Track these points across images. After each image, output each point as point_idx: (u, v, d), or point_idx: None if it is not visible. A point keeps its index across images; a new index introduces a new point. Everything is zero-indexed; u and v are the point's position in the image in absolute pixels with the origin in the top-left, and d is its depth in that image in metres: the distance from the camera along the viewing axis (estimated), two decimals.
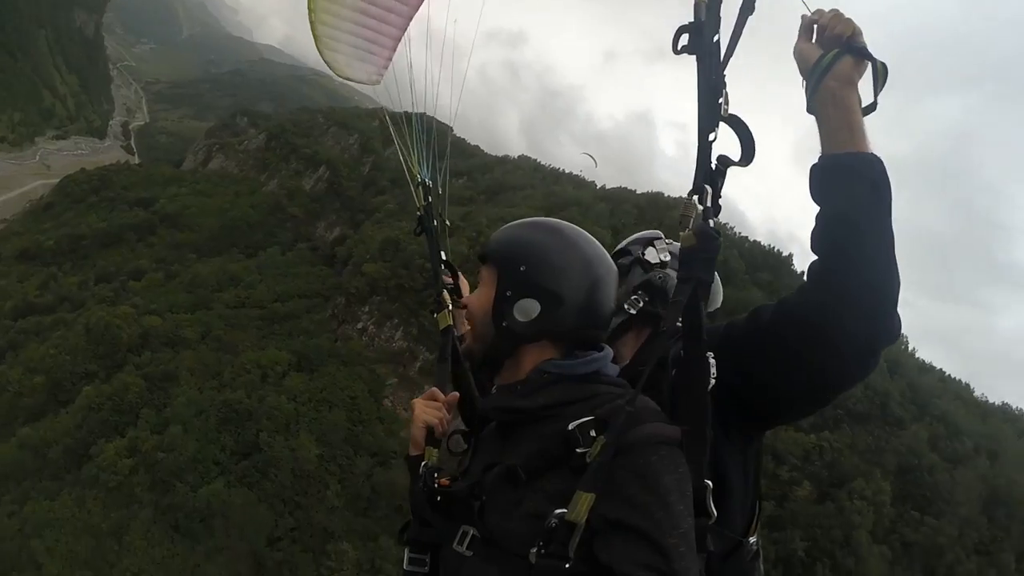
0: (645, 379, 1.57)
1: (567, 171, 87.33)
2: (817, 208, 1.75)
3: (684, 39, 1.67)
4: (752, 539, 2.04)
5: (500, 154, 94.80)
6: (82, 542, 39.88)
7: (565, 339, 1.85)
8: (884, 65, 1.74)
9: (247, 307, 66.70)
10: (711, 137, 1.64)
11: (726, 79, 1.65)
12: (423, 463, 2.01)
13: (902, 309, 1.72)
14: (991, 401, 55.08)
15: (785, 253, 66.21)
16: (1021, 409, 54.63)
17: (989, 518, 40.49)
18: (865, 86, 1.77)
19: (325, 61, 3.78)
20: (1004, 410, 54.29)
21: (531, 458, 1.66)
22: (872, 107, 1.75)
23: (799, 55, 1.86)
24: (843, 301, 1.68)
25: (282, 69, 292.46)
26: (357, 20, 3.61)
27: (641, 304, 2.37)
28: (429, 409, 2.11)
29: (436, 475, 1.94)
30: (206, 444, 46.66)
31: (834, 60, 1.76)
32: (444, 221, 3.22)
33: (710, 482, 1.62)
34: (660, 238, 2.51)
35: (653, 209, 65.70)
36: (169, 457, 44.92)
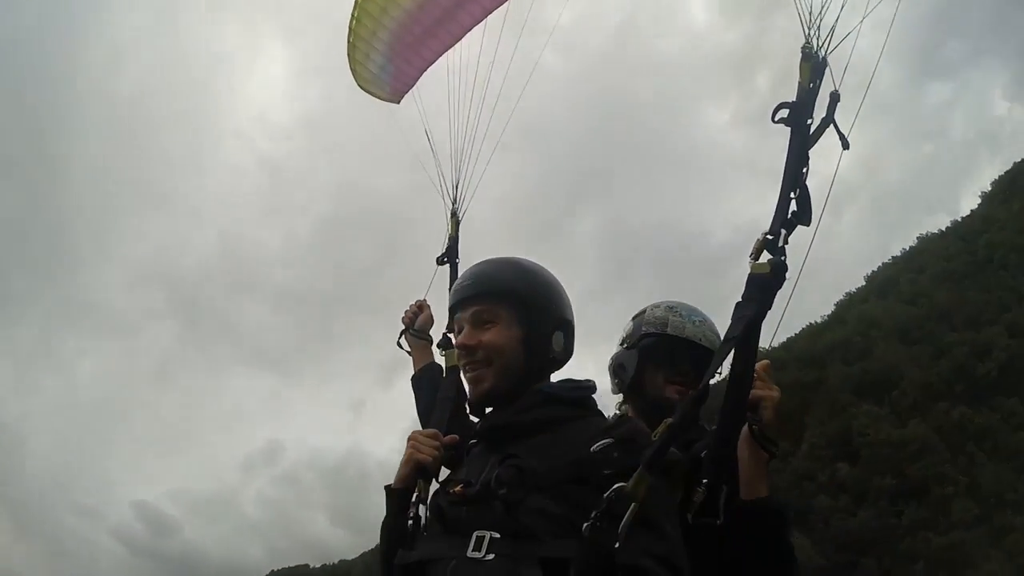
0: (682, 417, 1.70)
1: None
2: (740, 536, 2.00)
3: (783, 112, 2.05)
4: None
5: (332, 562, 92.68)
6: None
7: (562, 366, 2.09)
8: (769, 440, 2.07)
9: None
10: (792, 195, 2.01)
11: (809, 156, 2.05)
12: (414, 494, 2.02)
13: None
14: None
15: None
16: None
17: None
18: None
19: (352, 70, 3.99)
20: None
21: (551, 471, 1.71)
22: (772, 453, 2.08)
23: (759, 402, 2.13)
24: None
25: None
26: (393, 42, 3.76)
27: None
28: (427, 448, 2.10)
29: (448, 488, 1.91)
30: None
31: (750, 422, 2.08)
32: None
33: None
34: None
35: None
36: None
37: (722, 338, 1.99)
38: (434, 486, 2.03)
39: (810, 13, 2.14)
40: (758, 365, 2.06)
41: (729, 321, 1.95)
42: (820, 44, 2.11)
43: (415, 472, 2.06)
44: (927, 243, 65.39)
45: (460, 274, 2.22)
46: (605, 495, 1.54)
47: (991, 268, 52.46)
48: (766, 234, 1.97)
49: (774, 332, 2.10)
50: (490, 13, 3.60)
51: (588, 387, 2.05)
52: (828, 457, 41.28)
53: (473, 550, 1.68)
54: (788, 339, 54.12)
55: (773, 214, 2.00)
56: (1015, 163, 69.00)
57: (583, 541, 1.54)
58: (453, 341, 3.01)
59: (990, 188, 69.74)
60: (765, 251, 1.96)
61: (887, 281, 61.35)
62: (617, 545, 1.51)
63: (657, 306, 2.71)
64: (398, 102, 4.10)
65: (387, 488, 2.09)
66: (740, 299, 1.94)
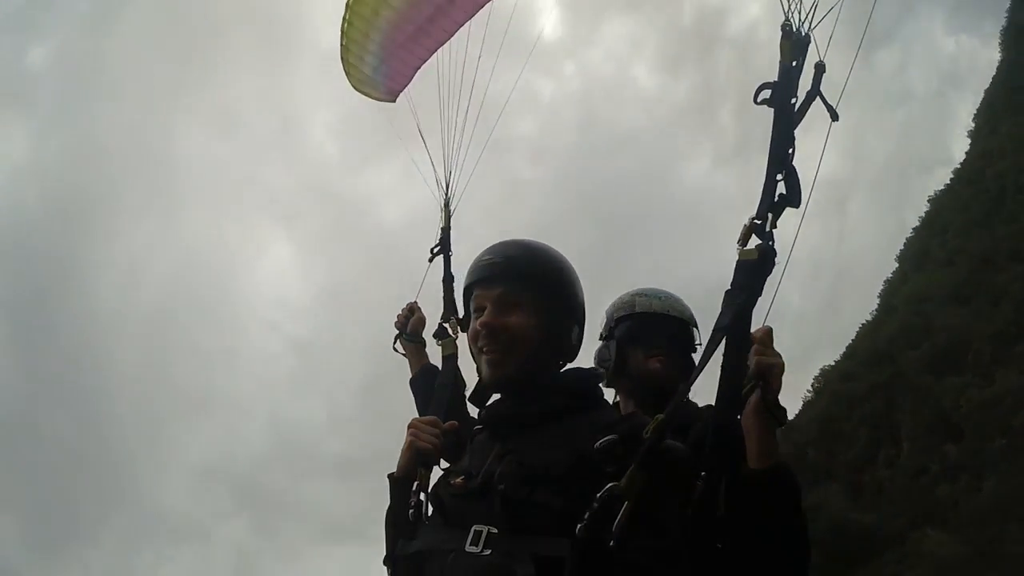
0: (674, 407, 1.66)
1: None
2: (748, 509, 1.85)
3: (765, 94, 1.98)
4: None
5: None
6: None
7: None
8: (778, 410, 1.95)
9: None
10: (778, 177, 1.92)
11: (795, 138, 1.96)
12: (414, 483, 1.98)
13: None
14: None
15: None
16: None
17: None
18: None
19: (345, 72, 4.01)
20: None
21: (553, 465, 1.70)
22: (780, 421, 1.95)
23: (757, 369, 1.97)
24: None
25: None
26: (386, 43, 3.85)
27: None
28: (425, 435, 2.07)
29: (450, 479, 1.90)
30: None
31: (750, 392, 1.94)
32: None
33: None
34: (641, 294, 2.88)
35: None
36: None
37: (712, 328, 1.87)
38: (437, 474, 2.02)
39: None
40: (760, 331, 1.98)
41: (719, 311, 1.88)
42: (801, 20, 2.03)
43: (416, 460, 2.03)
44: (939, 201, 64.38)
45: (481, 253, 2.09)
46: (599, 495, 1.52)
47: (1008, 196, 51.50)
48: (753, 219, 1.90)
49: (765, 316, 1.99)
50: (482, 7, 3.63)
51: (596, 376, 2.09)
52: (933, 445, 39.17)
53: (471, 544, 1.66)
54: (848, 347, 52.95)
55: (760, 197, 1.93)
56: (985, 91, 68.95)
57: (576, 541, 1.52)
58: (449, 331, 3.08)
59: (973, 124, 69.39)
60: (754, 236, 1.90)
61: (918, 253, 60.19)
62: (612, 543, 1.49)
63: (623, 295, 2.87)
64: (394, 100, 4.10)
65: (389, 476, 2.07)
66: (728, 288, 1.88)
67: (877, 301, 59.90)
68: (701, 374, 1.83)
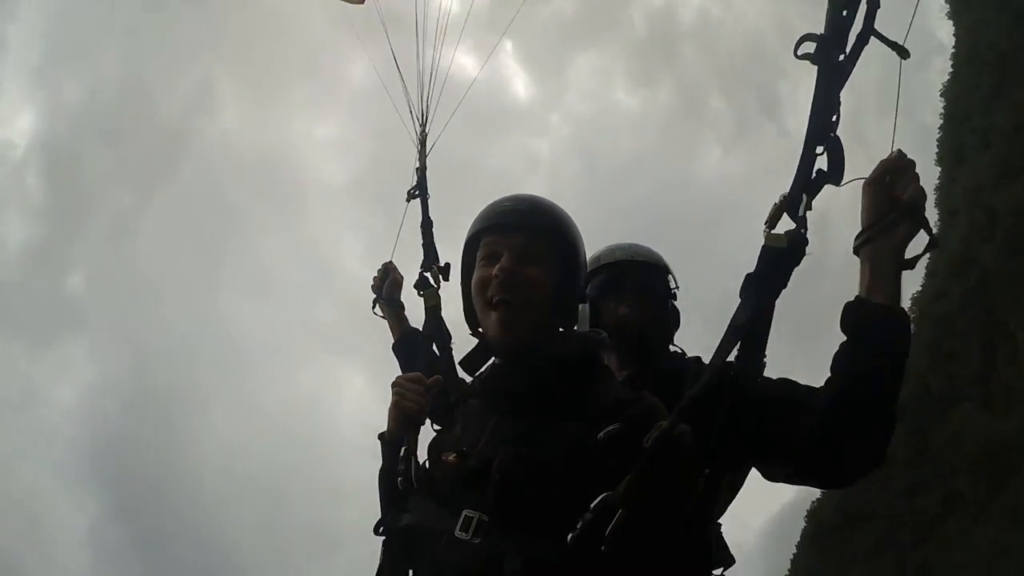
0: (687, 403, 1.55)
1: None
2: (849, 346, 1.73)
3: (807, 47, 1.65)
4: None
5: None
6: None
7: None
8: (937, 238, 1.76)
9: None
10: (818, 150, 1.63)
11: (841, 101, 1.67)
12: (403, 447, 1.86)
13: None
14: None
15: None
16: None
17: None
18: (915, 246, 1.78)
19: None
20: None
21: (553, 456, 1.62)
22: (911, 265, 1.74)
23: (867, 199, 1.77)
24: (859, 443, 1.71)
25: None
26: None
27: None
28: (410, 394, 1.92)
29: (440, 452, 1.81)
30: None
31: (896, 222, 1.71)
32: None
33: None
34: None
35: None
36: None
37: (729, 324, 1.65)
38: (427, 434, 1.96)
39: None
40: (889, 161, 1.75)
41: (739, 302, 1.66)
42: None
43: (403, 422, 1.90)
44: (947, 138, 62.00)
45: (495, 201, 1.97)
46: (592, 504, 1.46)
47: (1005, 89, 49.59)
48: (784, 196, 1.65)
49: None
50: None
51: (599, 342, 1.94)
52: None
53: (460, 529, 1.59)
54: (927, 267, 50.71)
55: (795, 173, 1.66)
56: None
57: (568, 550, 1.46)
58: (431, 280, 2.95)
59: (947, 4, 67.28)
60: (786, 216, 1.65)
61: (953, 147, 58.12)
62: (604, 550, 1.43)
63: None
64: (362, 2, 3.89)
65: (380, 436, 1.95)
66: (750, 273, 1.65)
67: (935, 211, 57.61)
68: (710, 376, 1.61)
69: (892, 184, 1.74)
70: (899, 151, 1.77)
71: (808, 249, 1.64)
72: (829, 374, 1.74)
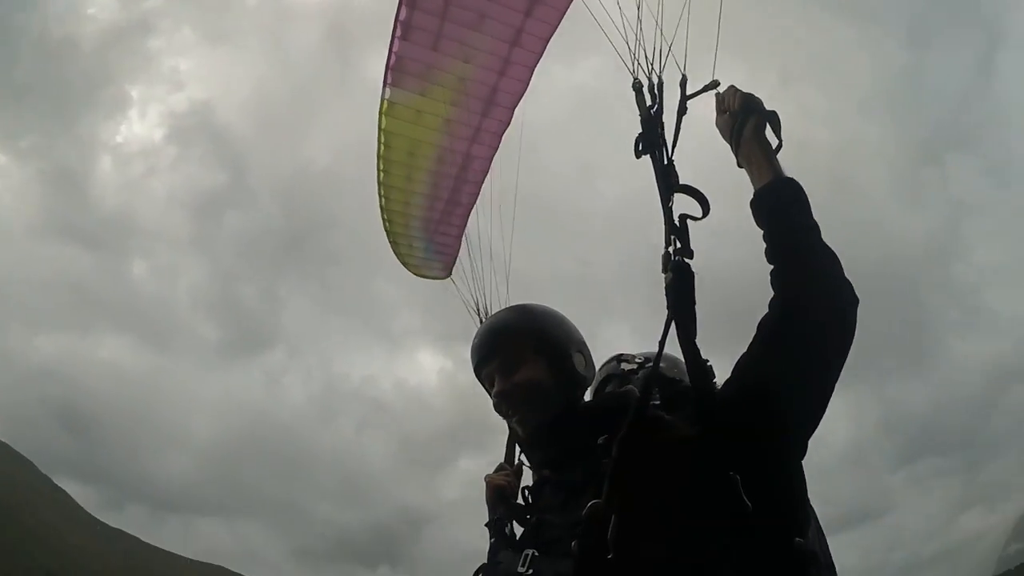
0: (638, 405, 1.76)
1: None
2: (762, 231, 1.97)
3: (639, 146, 2.24)
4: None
5: None
6: None
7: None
8: (776, 114, 2.16)
9: None
10: (670, 204, 2.10)
11: (675, 164, 2.18)
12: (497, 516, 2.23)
13: None
14: None
15: None
16: None
17: None
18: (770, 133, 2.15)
19: (403, 264, 4.40)
20: None
21: (578, 482, 1.86)
22: (779, 146, 2.13)
23: (719, 127, 2.28)
24: (812, 282, 1.84)
25: None
26: (424, 226, 4.17)
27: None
28: (499, 475, 2.56)
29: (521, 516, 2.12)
30: None
31: (742, 124, 2.16)
32: None
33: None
34: (621, 356, 2.93)
35: None
36: None
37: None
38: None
39: (630, 52, 2.42)
40: (719, 94, 2.34)
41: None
42: (649, 71, 2.33)
43: (495, 494, 2.55)
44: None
45: (473, 336, 2.25)
46: (583, 512, 1.59)
47: None
48: (664, 251, 2.04)
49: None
50: (488, 168, 3.94)
51: (617, 396, 2.17)
52: None
53: (521, 565, 1.87)
54: None
55: (664, 228, 2.07)
56: None
57: (572, 558, 1.61)
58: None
59: None
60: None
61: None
62: (610, 556, 1.52)
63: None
64: (449, 275, 4.37)
65: (486, 526, 2.33)
66: (666, 313, 1.93)
67: None
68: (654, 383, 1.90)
69: (727, 107, 2.25)
70: (719, 82, 2.34)
71: (696, 269, 1.97)
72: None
